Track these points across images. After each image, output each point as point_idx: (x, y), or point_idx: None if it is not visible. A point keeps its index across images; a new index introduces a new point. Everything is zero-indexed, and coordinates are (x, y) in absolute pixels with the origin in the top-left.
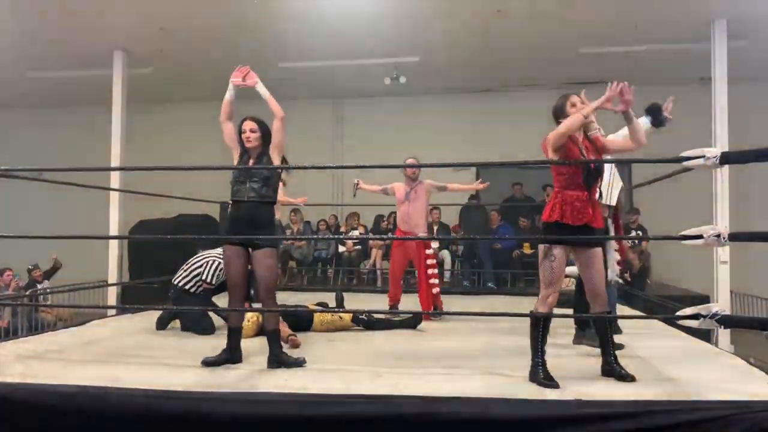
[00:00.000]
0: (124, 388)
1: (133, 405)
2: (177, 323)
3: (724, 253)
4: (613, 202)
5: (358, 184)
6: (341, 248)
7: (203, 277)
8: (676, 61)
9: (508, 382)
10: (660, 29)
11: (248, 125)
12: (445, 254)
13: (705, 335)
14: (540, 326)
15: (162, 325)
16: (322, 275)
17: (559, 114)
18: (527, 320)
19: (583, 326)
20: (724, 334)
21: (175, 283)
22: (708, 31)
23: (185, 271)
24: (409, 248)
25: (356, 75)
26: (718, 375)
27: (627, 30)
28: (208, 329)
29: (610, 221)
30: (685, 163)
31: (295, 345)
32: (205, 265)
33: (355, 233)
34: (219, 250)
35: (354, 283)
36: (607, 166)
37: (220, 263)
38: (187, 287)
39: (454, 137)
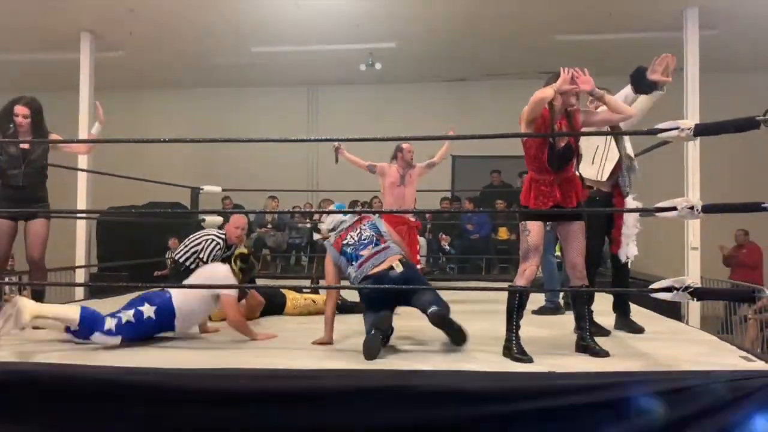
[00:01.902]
0: (87, 365)
1: (97, 382)
2: None
3: (694, 239)
4: (604, 178)
5: (339, 148)
6: (316, 236)
7: (200, 255)
8: (649, 51)
9: (481, 358)
10: (633, 17)
11: (22, 110)
12: (422, 241)
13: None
14: (516, 300)
15: None
16: (297, 263)
17: None
18: (502, 304)
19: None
20: (694, 318)
21: (176, 257)
22: (680, 20)
23: (186, 246)
24: (401, 233)
25: (331, 61)
26: (691, 349)
27: (601, 18)
28: None
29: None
30: (660, 135)
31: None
32: (204, 243)
33: (329, 220)
34: (219, 231)
35: None
36: (599, 140)
37: (218, 243)
38: (187, 263)
39: (431, 126)
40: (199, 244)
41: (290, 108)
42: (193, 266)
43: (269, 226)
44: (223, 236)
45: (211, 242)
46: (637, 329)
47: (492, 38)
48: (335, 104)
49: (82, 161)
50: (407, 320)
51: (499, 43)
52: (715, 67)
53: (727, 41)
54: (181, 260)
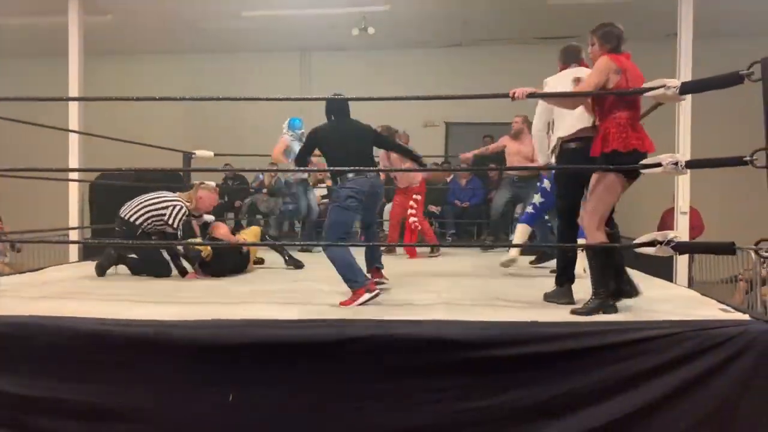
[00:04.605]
0: (77, 317)
1: (92, 334)
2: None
3: (684, 204)
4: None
5: None
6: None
7: (168, 221)
8: (642, 16)
9: (466, 311)
10: None
11: None
12: None
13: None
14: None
15: (103, 270)
16: (290, 229)
17: None
18: (488, 266)
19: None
20: (681, 278)
21: (126, 217)
22: None
23: (141, 207)
24: (406, 202)
25: (323, 25)
26: (673, 303)
27: None
28: (165, 272)
29: None
30: (648, 94)
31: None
32: (171, 208)
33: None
34: (181, 197)
35: (322, 236)
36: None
37: (183, 208)
38: (144, 224)
39: (425, 92)
40: (165, 208)
41: (282, 73)
42: (150, 228)
43: (264, 191)
44: (187, 203)
45: (180, 209)
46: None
47: (485, 3)
48: (328, 70)
49: (73, 124)
50: (395, 280)
51: (492, 8)
52: (709, 33)
53: (721, 6)
54: (134, 221)
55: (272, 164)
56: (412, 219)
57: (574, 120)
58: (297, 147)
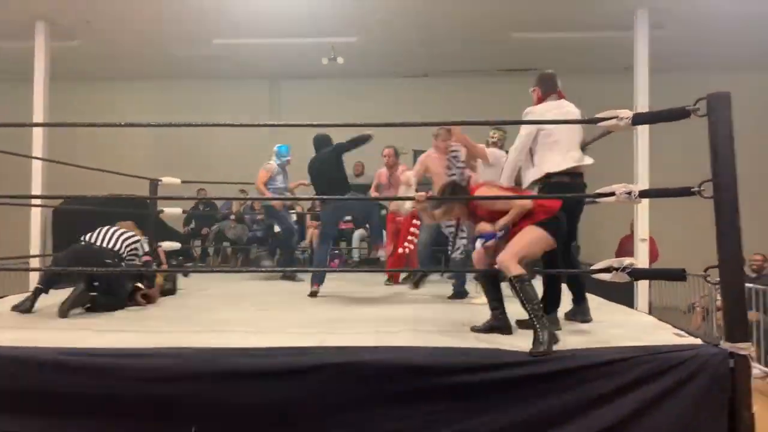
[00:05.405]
0: (37, 347)
1: (51, 363)
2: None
3: (643, 232)
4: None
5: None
6: (276, 228)
7: (138, 254)
8: (602, 50)
9: (431, 337)
10: (587, 16)
11: None
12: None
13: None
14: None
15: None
16: (257, 257)
17: None
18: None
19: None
20: (642, 304)
21: (113, 248)
22: (631, 20)
23: (118, 239)
24: (399, 224)
25: (293, 54)
26: (629, 328)
27: (557, 16)
28: (122, 305)
29: None
30: (601, 124)
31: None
32: (140, 245)
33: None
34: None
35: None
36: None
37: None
38: (124, 256)
39: (393, 121)
40: (137, 242)
41: (252, 101)
42: (128, 260)
43: (232, 217)
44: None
45: (143, 247)
46: (588, 320)
47: (450, 35)
48: (298, 98)
49: (37, 150)
50: (361, 306)
51: (457, 40)
52: (665, 67)
53: (676, 41)
54: (121, 253)
55: (242, 191)
56: (406, 243)
57: (564, 154)
58: (280, 176)
